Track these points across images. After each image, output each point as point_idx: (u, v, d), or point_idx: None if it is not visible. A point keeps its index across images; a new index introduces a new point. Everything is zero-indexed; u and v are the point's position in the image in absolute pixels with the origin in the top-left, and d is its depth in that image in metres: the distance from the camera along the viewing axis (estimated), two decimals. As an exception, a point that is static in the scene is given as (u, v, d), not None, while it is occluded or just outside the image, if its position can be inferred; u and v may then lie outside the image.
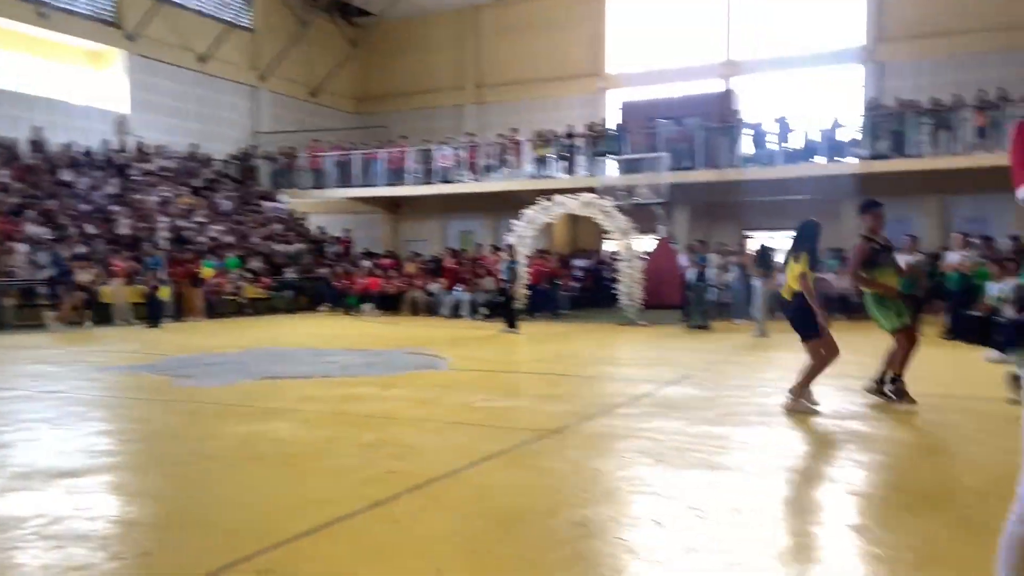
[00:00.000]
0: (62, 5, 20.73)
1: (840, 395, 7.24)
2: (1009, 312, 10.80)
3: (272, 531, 3.53)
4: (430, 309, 19.23)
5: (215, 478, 4.56)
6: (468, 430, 5.80)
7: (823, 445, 5.27)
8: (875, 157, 18.47)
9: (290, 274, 20.81)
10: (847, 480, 4.45)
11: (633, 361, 10.45)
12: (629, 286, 16.09)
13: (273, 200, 24.47)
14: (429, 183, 23.38)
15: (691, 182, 20.25)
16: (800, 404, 6.38)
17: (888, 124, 18.61)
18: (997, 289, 11.39)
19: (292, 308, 19.95)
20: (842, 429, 5.77)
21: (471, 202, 24.45)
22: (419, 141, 24.37)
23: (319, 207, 25.63)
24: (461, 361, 10.05)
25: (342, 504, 3.91)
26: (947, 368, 8.91)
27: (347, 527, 3.63)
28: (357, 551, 3.34)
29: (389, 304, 19.80)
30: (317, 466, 4.79)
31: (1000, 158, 16.92)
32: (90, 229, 17.96)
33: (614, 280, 17.36)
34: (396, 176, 23.80)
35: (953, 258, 12.88)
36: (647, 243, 19.62)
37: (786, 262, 6.76)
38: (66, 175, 19.45)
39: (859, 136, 19.00)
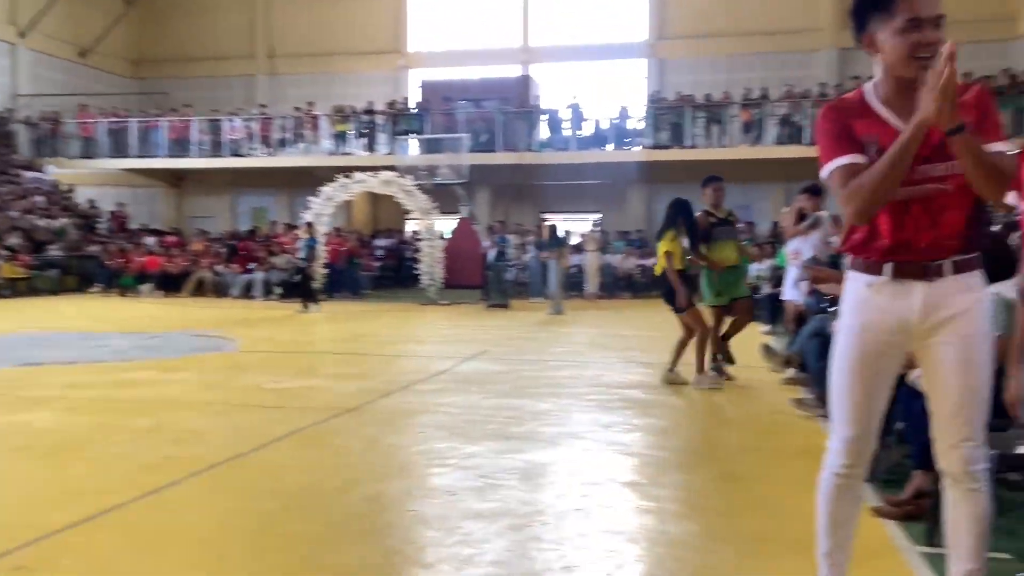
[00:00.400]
0: None
1: (622, 366, 7.73)
2: (767, 290, 12.09)
3: (31, 525, 3.19)
4: (219, 290, 18.20)
5: (-42, 475, 4.05)
6: (257, 412, 5.57)
7: (606, 412, 5.59)
8: (657, 147, 19.80)
9: (55, 252, 18.83)
10: (625, 443, 4.76)
11: (432, 339, 10.53)
12: (430, 266, 16.16)
13: (35, 170, 21.95)
14: (218, 156, 22.03)
15: (491, 164, 20.64)
16: (705, 380, 6.37)
17: (668, 117, 20.02)
18: (756, 270, 12.68)
19: (57, 289, 18.09)
20: (623, 397, 6.16)
21: (264, 177, 23.37)
22: (206, 111, 22.87)
23: (89, 179, 23.29)
24: (252, 343, 9.63)
25: (113, 494, 3.61)
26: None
27: (118, 517, 3.36)
28: (129, 542, 3.10)
29: (172, 285, 18.51)
30: (85, 455, 4.40)
31: (761, 151, 18.85)
32: None
33: (416, 260, 17.36)
34: (180, 147, 22.21)
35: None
36: (448, 223, 19.79)
37: (658, 240, 6.79)
38: None
39: (643, 126, 20.29)
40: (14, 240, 18.20)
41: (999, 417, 3.19)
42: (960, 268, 2.13)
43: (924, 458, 3.23)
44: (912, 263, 2.14)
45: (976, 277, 2.16)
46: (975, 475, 2.15)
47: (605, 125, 20.57)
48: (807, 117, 19.02)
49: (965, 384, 2.14)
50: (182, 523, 3.33)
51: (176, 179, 24.60)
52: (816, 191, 6.95)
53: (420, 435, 4.92)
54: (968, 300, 2.13)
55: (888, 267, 2.16)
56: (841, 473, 2.25)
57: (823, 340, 5.12)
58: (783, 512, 3.48)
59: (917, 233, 2.13)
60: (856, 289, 2.23)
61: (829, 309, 6.05)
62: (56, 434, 4.88)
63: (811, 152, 18.81)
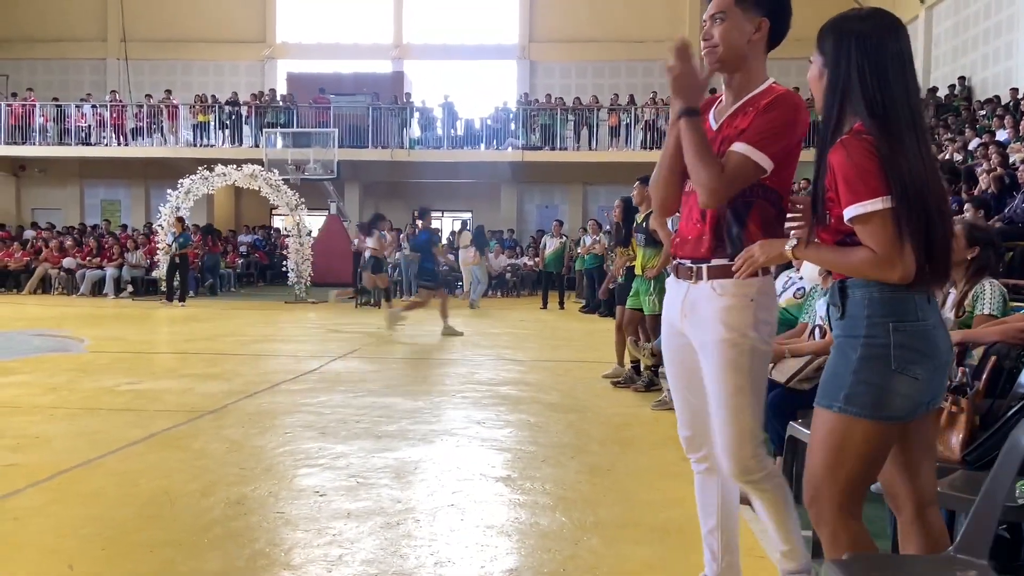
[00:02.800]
0: None
1: (493, 363, 7.80)
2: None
3: None
4: (67, 287, 16.97)
5: None
6: (108, 416, 5.23)
7: (478, 408, 5.62)
8: (529, 148, 20.10)
9: None
10: (497, 439, 4.80)
11: (300, 338, 10.23)
12: (298, 263, 15.70)
13: None
14: (64, 144, 20.52)
15: (362, 160, 20.31)
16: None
17: (539, 118, 20.37)
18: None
19: None
20: (494, 394, 6.21)
21: (117, 168, 21.97)
22: (51, 96, 21.24)
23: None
24: (102, 342, 9.04)
25: (-60, 508, 3.29)
26: (583, 337, 10.03)
27: (-54, 533, 3.06)
28: (-41, 559, 2.84)
29: (11, 281, 17.10)
30: (-94, 467, 3.98)
31: (627, 155, 19.49)
32: None
33: (283, 256, 16.82)
34: (22, 134, 20.53)
35: (587, 241, 14.54)
36: (317, 219, 19.30)
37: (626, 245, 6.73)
38: None
39: (514, 127, 20.54)
40: None
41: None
42: (714, 274, 2.14)
43: (782, 444, 3.45)
44: (682, 262, 2.23)
45: (731, 284, 2.13)
46: (749, 484, 2.18)
47: (478, 124, 20.67)
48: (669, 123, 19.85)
49: (718, 397, 2.14)
50: (26, 533, 3.09)
51: (17, 168, 22.71)
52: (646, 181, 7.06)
53: (287, 436, 4.77)
54: (713, 306, 2.13)
55: (673, 264, 2.29)
56: (695, 467, 2.38)
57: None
58: (644, 501, 3.62)
59: (686, 228, 2.23)
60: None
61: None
62: None
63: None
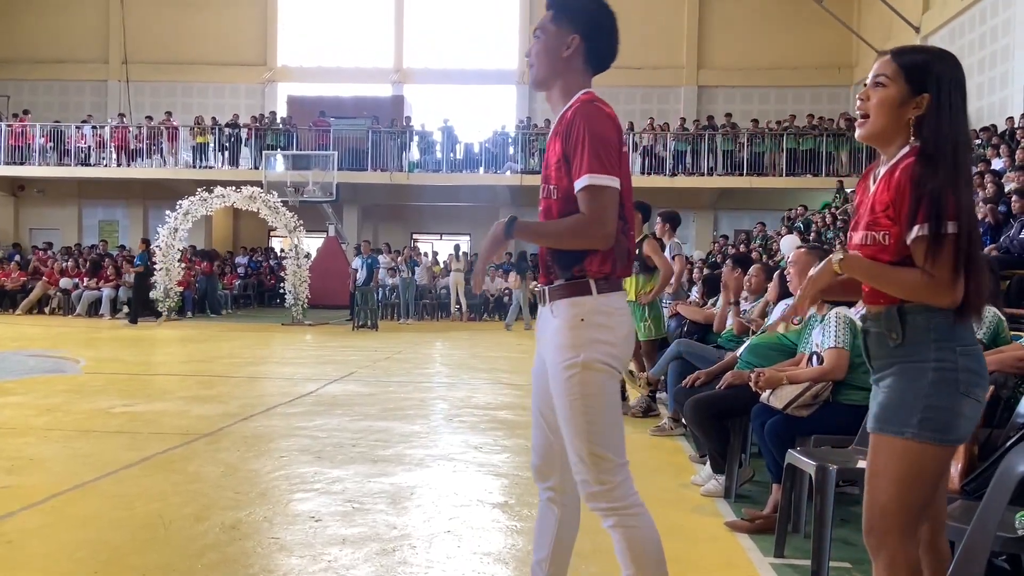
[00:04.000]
0: None
1: (490, 387, 7.77)
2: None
3: None
4: (63, 307, 16.94)
5: None
6: (103, 438, 5.20)
7: (475, 433, 5.60)
8: (528, 172, 20.20)
9: None
10: (494, 464, 4.78)
11: (297, 360, 10.20)
12: (295, 285, 15.70)
13: None
14: (64, 164, 20.58)
15: (361, 183, 20.39)
16: None
17: (539, 143, 20.47)
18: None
19: None
20: (491, 418, 6.19)
21: (115, 189, 22.03)
22: (53, 117, 21.34)
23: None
24: (98, 364, 9.01)
25: (-68, 531, 3.26)
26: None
27: (-62, 557, 3.03)
28: (-50, 583, 2.81)
29: (8, 301, 17.07)
30: (-102, 489, 3.95)
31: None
32: None
33: (280, 278, 16.83)
34: (21, 154, 20.59)
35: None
36: (314, 241, 19.32)
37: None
38: None
39: (513, 151, 20.66)
40: None
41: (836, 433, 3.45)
42: (553, 295, 2.14)
43: (780, 472, 3.43)
44: (540, 286, 2.24)
45: (562, 305, 2.12)
46: (598, 512, 2.11)
47: (477, 148, 20.78)
48: (667, 149, 20.02)
49: (560, 419, 2.12)
50: (21, 556, 3.06)
51: (16, 188, 22.74)
52: (669, 218, 7.14)
53: (282, 460, 4.74)
54: (551, 328, 2.13)
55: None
56: (540, 495, 2.32)
57: (681, 363, 5.36)
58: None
59: (541, 251, 2.25)
60: None
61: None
62: None
63: (673, 183, 19.77)
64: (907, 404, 1.86)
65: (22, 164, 20.75)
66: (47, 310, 17.19)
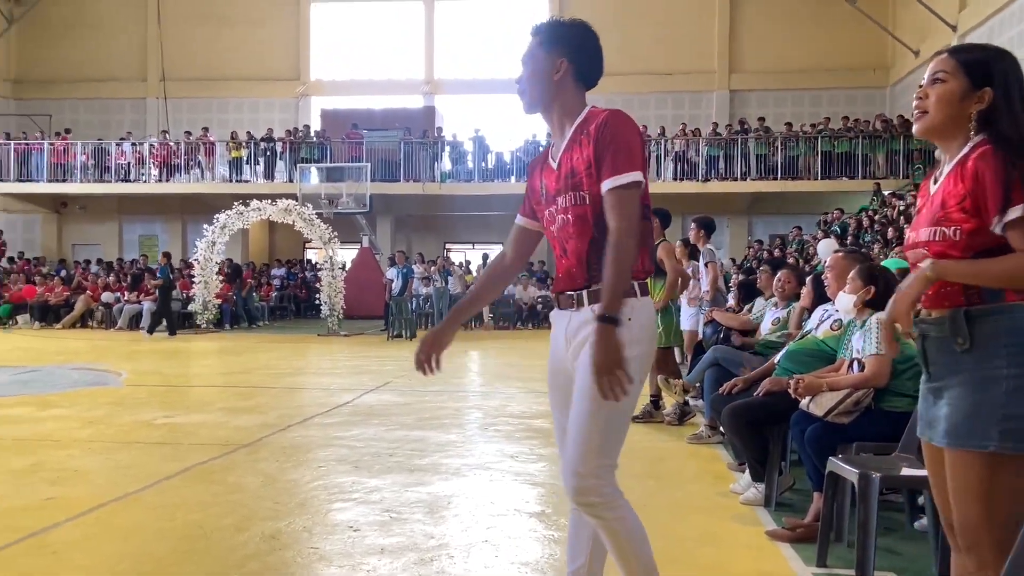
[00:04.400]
0: None
1: (525, 396, 7.77)
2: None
3: None
4: (105, 321, 17.30)
5: None
6: (145, 449, 5.29)
7: (511, 442, 5.59)
8: (559, 180, 20.16)
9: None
10: (530, 473, 4.76)
11: (333, 371, 10.29)
12: (331, 296, 15.85)
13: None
14: (104, 181, 21.05)
15: (394, 194, 20.55)
16: None
17: (569, 150, 20.46)
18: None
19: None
20: (527, 427, 6.18)
21: (154, 204, 22.48)
22: (93, 134, 21.84)
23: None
24: (139, 376, 9.17)
25: (-17, 541, 3.34)
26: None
27: (-12, 566, 3.10)
28: (0, 593, 2.87)
29: (52, 316, 17.47)
30: (-50, 500, 4.05)
31: (659, 186, 19.48)
32: None
33: (315, 290, 17.01)
34: (63, 172, 21.12)
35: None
36: (349, 253, 19.50)
37: None
38: None
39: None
40: None
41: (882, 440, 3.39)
42: (595, 298, 2.18)
43: (821, 480, 3.38)
44: (562, 294, 2.30)
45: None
46: (586, 508, 2.16)
47: (508, 157, 20.84)
48: (699, 154, 19.89)
49: (576, 410, 2.16)
50: (65, 568, 3.12)
51: (59, 204, 23.32)
52: (703, 224, 7.13)
53: (320, 469, 4.77)
54: (589, 330, 2.15)
55: (554, 297, 2.36)
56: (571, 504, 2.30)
57: (718, 369, 5.30)
58: (679, 536, 3.55)
59: (558, 263, 2.32)
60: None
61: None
62: (-83, 477, 4.49)
63: (706, 188, 19.63)
64: (983, 416, 1.80)
65: (64, 181, 21.27)
66: (91, 324, 17.57)
